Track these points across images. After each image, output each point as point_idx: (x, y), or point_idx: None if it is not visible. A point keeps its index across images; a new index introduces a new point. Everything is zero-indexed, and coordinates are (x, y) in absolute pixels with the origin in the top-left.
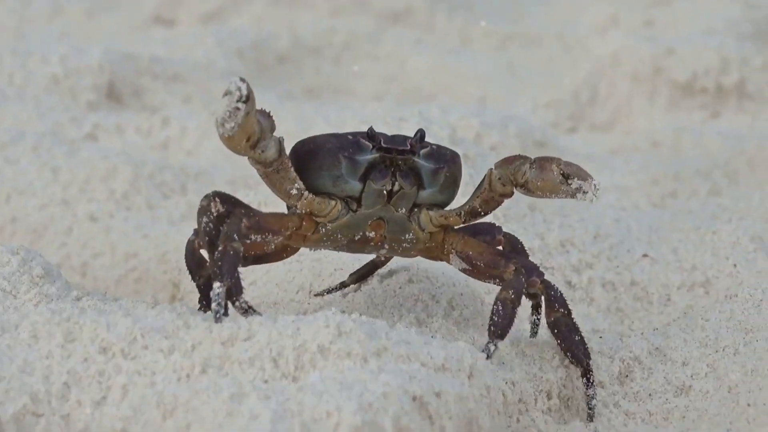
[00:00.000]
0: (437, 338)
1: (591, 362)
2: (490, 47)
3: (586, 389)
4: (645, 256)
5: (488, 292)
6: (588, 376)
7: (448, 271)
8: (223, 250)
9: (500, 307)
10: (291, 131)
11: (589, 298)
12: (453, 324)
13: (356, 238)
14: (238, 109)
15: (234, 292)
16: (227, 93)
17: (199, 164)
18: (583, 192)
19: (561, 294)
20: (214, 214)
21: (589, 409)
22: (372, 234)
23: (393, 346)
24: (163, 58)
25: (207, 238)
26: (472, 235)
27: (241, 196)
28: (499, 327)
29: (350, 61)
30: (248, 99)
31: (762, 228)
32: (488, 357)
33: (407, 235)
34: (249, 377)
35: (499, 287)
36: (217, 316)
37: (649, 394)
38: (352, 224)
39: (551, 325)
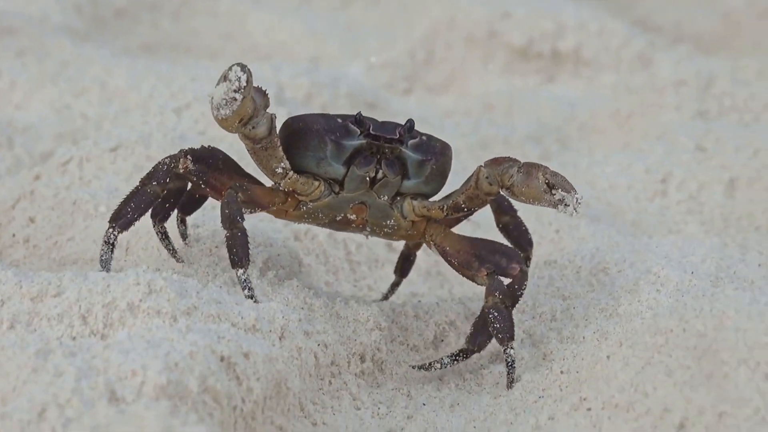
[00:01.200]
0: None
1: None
2: (331, 6)
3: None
4: (468, 219)
5: (307, 253)
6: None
7: (266, 231)
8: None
9: (495, 314)
10: (121, 87)
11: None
12: (268, 284)
13: (337, 219)
14: (234, 99)
15: (159, 219)
16: (226, 79)
17: (27, 118)
18: (565, 204)
19: (522, 292)
20: (180, 170)
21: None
22: (353, 216)
23: (203, 306)
24: None
25: (152, 170)
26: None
27: (64, 151)
28: (505, 331)
29: (188, 17)
30: (246, 88)
31: (588, 194)
32: (513, 363)
33: (389, 221)
34: (57, 334)
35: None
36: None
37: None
38: (334, 206)
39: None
